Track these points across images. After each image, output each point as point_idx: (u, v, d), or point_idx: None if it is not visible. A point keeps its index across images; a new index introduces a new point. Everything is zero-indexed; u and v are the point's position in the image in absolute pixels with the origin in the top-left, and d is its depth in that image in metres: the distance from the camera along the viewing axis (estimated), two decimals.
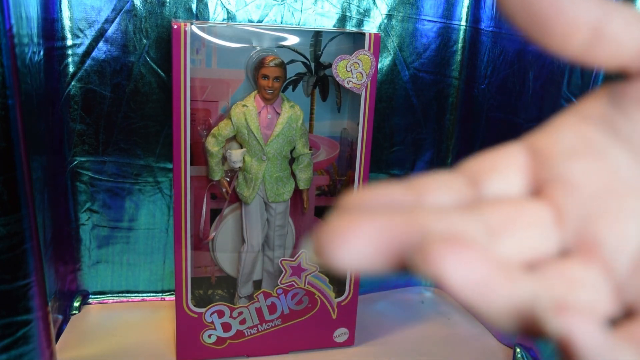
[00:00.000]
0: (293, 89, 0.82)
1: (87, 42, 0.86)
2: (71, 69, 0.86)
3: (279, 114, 0.80)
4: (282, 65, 0.78)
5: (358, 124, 0.81)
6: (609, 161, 0.16)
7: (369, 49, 0.78)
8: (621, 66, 0.17)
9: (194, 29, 0.72)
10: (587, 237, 0.16)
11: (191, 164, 0.77)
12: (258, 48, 0.78)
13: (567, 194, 0.16)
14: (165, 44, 0.87)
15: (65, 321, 0.93)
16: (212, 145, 0.80)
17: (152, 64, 0.88)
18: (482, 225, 0.15)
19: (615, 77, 0.18)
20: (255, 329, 0.85)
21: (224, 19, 0.89)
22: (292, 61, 0.80)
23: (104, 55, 0.87)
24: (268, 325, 0.86)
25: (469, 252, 0.13)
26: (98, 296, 0.99)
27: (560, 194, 0.16)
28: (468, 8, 0.96)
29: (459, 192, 0.16)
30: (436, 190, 0.16)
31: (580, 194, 0.16)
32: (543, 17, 0.16)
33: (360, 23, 0.94)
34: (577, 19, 0.16)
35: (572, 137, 0.17)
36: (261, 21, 0.90)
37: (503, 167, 0.17)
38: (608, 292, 0.15)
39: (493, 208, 0.16)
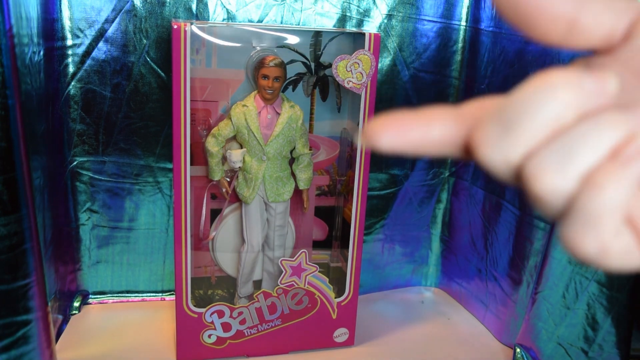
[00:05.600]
0: (293, 89, 0.82)
1: (87, 42, 0.86)
2: (71, 69, 0.86)
3: (279, 114, 0.80)
4: (282, 65, 0.78)
5: (358, 124, 0.81)
6: None
7: (369, 49, 0.78)
8: (592, 49, 0.22)
9: (194, 29, 0.72)
10: None
11: (191, 164, 0.77)
12: (258, 48, 0.78)
13: None
14: (165, 44, 0.87)
15: (65, 321, 0.93)
16: (212, 145, 0.80)
17: (152, 64, 0.88)
18: None
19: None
20: (255, 329, 0.85)
21: (224, 19, 0.89)
22: (292, 61, 0.80)
23: (104, 55, 0.87)
24: (268, 325, 0.86)
25: None
26: (98, 296, 0.99)
27: None
28: (468, 8, 0.96)
29: None
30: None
31: None
32: (527, 14, 0.21)
33: (360, 23, 0.94)
34: (554, 14, 0.21)
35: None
36: (261, 21, 0.90)
37: None
38: None
39: None
